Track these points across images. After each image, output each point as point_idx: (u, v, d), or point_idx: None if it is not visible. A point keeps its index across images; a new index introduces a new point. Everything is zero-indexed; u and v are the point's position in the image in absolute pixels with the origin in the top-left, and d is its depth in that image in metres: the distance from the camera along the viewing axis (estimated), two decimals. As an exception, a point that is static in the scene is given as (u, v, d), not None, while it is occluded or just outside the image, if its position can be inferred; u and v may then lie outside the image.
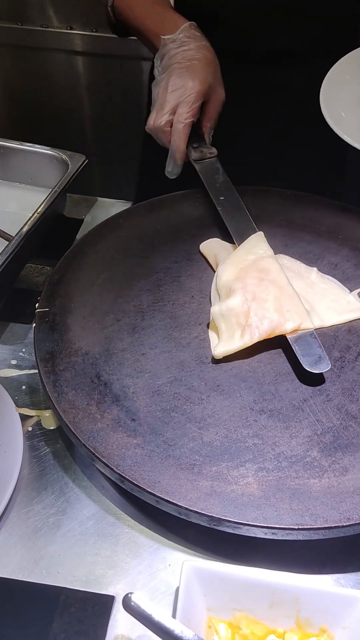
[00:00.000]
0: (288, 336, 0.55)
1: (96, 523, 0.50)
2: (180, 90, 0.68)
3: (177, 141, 0.68)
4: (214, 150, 0.72)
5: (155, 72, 0.73)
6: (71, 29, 1.41)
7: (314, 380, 0.53)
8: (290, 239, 0.69)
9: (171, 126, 0.68)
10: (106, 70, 1.47)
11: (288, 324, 0.55)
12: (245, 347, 0.54)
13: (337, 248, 0.68)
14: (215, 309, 0.57)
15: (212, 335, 0.57)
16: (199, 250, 0.67)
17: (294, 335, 0.55)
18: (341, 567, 0.48)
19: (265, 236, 0.65)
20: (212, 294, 0.61)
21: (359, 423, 0.50)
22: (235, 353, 0.55)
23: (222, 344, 0.55)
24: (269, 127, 0.89)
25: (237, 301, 0.56)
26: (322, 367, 0.53)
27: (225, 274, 0.60)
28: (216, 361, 0.55)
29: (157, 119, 0.69)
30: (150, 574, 0.47)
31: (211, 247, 0.66)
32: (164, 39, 0.71)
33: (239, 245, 0.64)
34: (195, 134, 0.70)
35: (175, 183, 0.74)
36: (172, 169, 0.71)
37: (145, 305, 0.60)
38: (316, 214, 0.73)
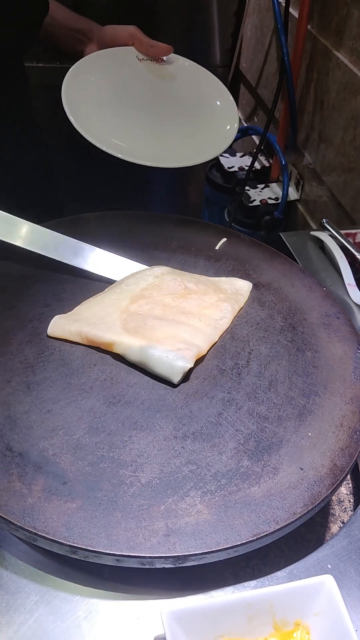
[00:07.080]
0: None
1: (47, 606, 0.46)
2: None
3: None
4: None
5: None
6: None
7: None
8: (149, 259, 0.70)
9: None
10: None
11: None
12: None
13: (194, 260, 0.72)
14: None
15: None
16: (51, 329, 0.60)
17: None
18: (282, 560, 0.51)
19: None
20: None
21: (271, 422, 0.54)
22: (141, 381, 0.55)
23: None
24: None
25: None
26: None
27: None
28: (126, 399, 0.54)
29: None
30: (125, 636, 0.45)
31: (62, 327, 0.59)
32: None
33: None
34: None
35: None
36: None
37: (32, 358, 0.56)
38: (164, 230, 0.75)
